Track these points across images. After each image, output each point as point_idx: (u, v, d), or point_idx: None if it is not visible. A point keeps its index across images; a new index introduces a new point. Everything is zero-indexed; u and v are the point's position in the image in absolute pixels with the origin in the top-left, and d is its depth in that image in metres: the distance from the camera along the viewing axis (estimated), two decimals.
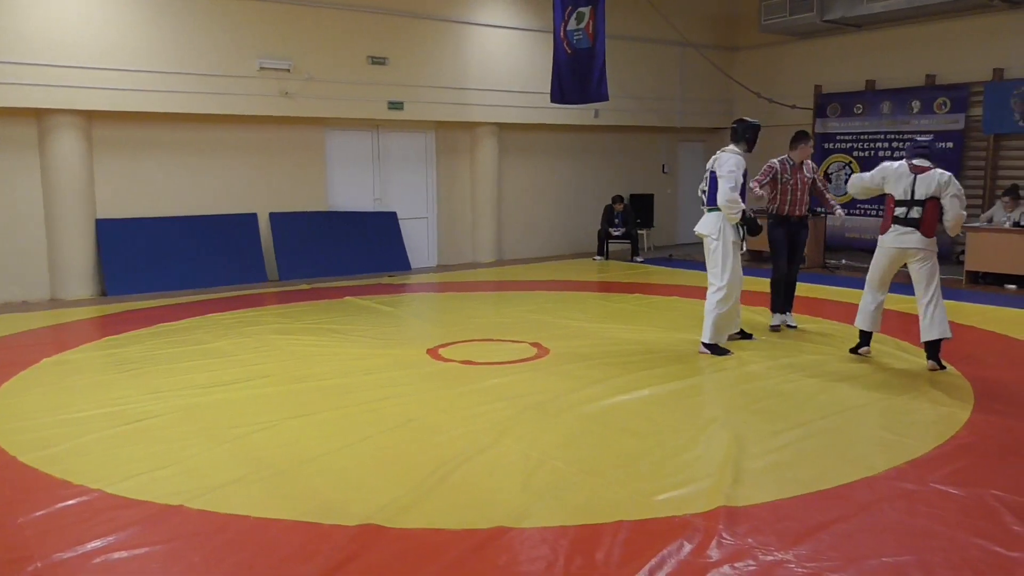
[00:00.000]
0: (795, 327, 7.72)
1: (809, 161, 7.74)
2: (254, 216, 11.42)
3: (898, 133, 13.33)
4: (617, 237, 13.89)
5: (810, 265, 12.24)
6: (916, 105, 13.16)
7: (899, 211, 6.29)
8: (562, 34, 10.82)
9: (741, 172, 6.71)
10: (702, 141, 16.38)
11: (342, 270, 11.75)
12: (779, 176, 7.60)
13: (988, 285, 10.49)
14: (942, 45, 12.92)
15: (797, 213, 7.65)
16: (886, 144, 13.36)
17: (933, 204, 6.21)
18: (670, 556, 3.27)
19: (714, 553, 3.30)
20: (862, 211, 13.21)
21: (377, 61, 11.84)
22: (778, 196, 7.64)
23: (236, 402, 5.54)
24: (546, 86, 11.46)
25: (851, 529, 3.54)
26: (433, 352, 6.97)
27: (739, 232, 6.75)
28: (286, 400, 5.58)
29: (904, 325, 7.17)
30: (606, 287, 11.06)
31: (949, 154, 12.68)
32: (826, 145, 14.25)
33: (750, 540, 3.41)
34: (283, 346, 7.23)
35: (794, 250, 7.78)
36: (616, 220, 13.94)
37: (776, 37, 14.91)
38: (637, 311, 8.89)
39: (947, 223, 6.24)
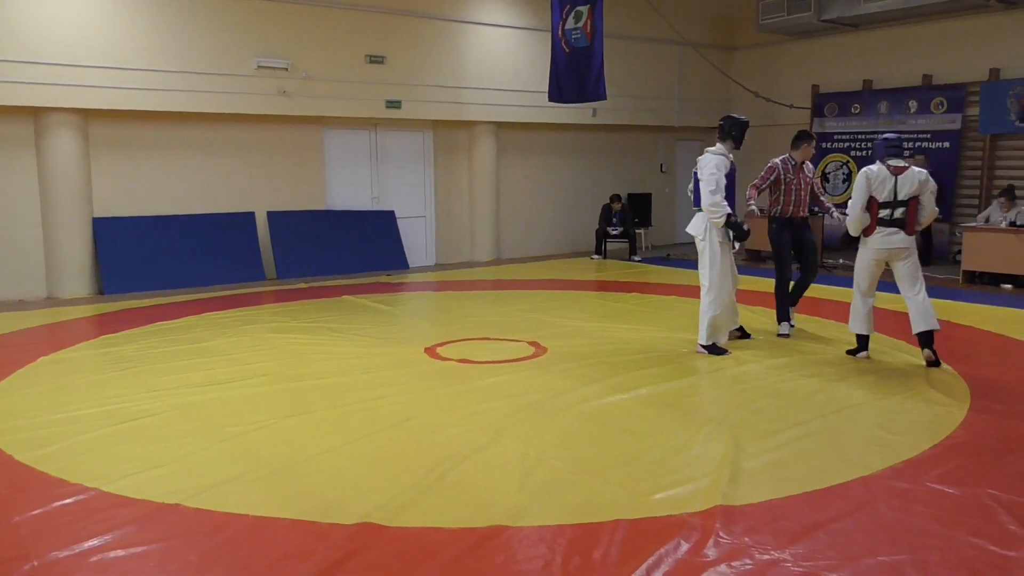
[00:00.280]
0: (792, 325, 7.60)
1: (808, 162, 7.62)
2: (252, 215, 11.41)
3: (895, 133, 13.31)
4: (615, 236, 13.89)
5: None
6: (913, 105, 13.18)
7: (883, 212, 6.33)
8: (560, 33, 10.83)
9: (724, 173, 6.65)
10: (700, 140, 16.36)
11: (340, 269, 11.74)
12: (782, 176, 7.39)
13: (984, 285, 10.51)
14: (939, 45, 12.95)
15: (800, 213, 7.49)
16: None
17: (915, 203, 6.32)
18: (667, 555, 3.28)
19: (711, 552, 3.31)
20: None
21: (375, 60, 11.84)
22: (781, 197, 7.43)
23: (233, 401, 5.53)
24: (544, 85, 11.46)
25: (847, 528, 3.54)
26: (431, 351, 6.97)
27: (727, 234, 6.72)
28: (283, 399, 5.58)
29: (900, 324, 7.17)
30: (604, 286, 11.06)
31: (946, 154, 12.72)
32: (824, 145, 14.25)
33: (747, 539, 3.42)
34: (280, 345, 7.22)
35: (805, 254, 7.52)
36: (614, 219, 13.94)
37: (774, 37, 14.93)
38: (635, 310, 8.90)
39: (922, 219, 6.38)
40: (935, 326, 6.31)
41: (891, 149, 6.41)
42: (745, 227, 6.73)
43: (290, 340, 7.40)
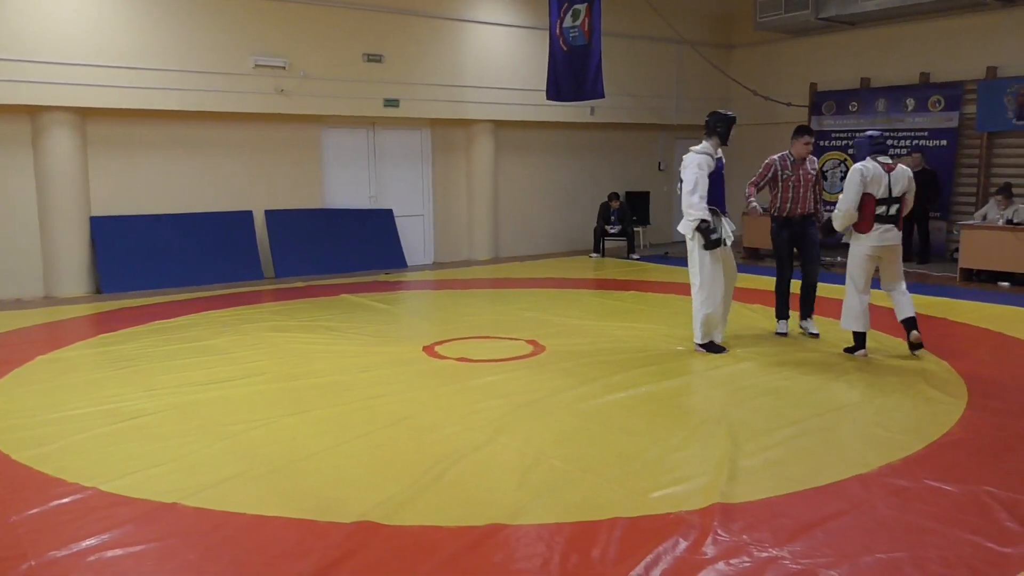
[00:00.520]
0: (816, 335, 7.28)
1: (813, 158, 7.42)
2: (249, 214, 11.40)
3: (893, 131, 13.35)
4: (613, 234, 13.89)
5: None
6: (910, 103, 13.19)
7: (880, 210, 6.42)
8: (558, 31, 10.83)
9: (706, 172, 6.59)
10: (698, 139, 16.31)
11: (338, 268, 11.74)
12: (779, 172, 7.29)
13: (982, 282, 10.52)
14: (936, 43, 12.96)
15: (800, 211, 7.28)
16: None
17: (903, 199, 6.51)
18: (665, 553, 3.28)
19: (709, 550, 3.31)
20: None
21: (373, 58, 11.83)
22: (779, 195, 7.33)
23: (232, 399, 5.53)
24: (542, 83, 11.47)
25: (845, 526, 3.55)
26: (429, 349, 6.97)
27: (716, 229, 6.62)
28: (282, 397, 5.58)
29: (896, 321, 7.17)
30: (602, 284, 11.07)
31: (943, 152, 12.73)
32: (821, 143, 14.25)
33: (745, 537, 3.42)
34: (279, 343, 7.22)
35: (805, 251, 7.36)
36: (612, 217, 13.94)
37: (772, 35, 14.93)
38: (633, 308, 8.90)
39: (902, 214, 6.57)
40: (915, 312, 6.67)
41: (876, 147, 6.51)
42: (714, 236, 6.53)
43: (288, 339, 7.40)
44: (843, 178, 6.89)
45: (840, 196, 6.58)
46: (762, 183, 7.44)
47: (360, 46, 11.74)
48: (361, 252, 12.11)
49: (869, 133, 6.66)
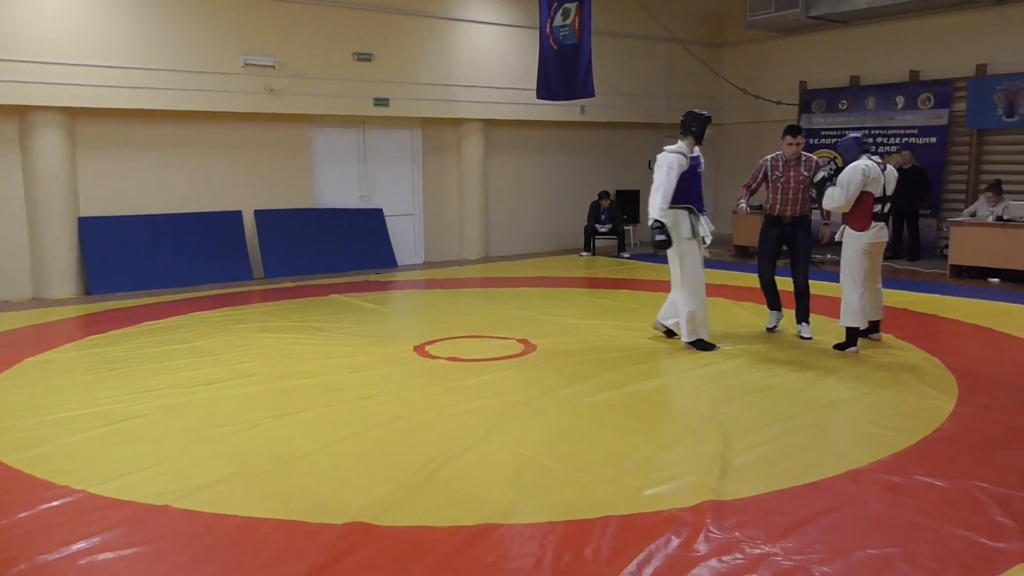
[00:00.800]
0: (810, 338, 7.12)
1: (814, 158, 7.25)
2: (239, 214, 11.36)
3: (883, 128, 13.41)
4: (604, 233, 13.90)
5: None
6: (900, 101, 13.24)
7: (877, 208, 6.51)
8: (548, 30, 10.82)
9: (677, 172, 6.60)
10: None
11: (328, 267, 11.70)
12: (768, 173, 7.25)
13: (972, 279, 10.57)
14: (926, 41, 13.01)
15: (789, 213, 7.15)
16: (870, 140, 13.41)
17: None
18: (658, 551, 3.28)
19: (702, 547, 3.31)
20: None
21: (362, 57, 11.80)
22: (769, 195, 7.32)
23: (222, 401, 5.51)
24: (532, 82, 11.45)
25: (837, 522, 3.56)
26: (420, 349, 6.96)
27: (693, 229, 6.66)
28: (272, 399, 5.56)
29: (888, 318, 7.20)
30: (593, 283, 11.07)
31: (932, 149, 12.78)
32: (811, 141, 14.28)
33: (737, 534, 3.42)
34: (269, 344, 7.19)
35: (794, 255, 7.24)
36: (602, 216, 13.95)
37: (762, 33, 14.96)
38: (624, 307, 8.90)
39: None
40: (882, 315, 7.00)
41: (865, 147, 6.66)
42: (659, 238, 6.56)
43: (279, 339, 7.37)
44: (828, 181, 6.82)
45: (832, 191, 6.58)
46: (754, 184, 7.43)
47: (350, 45, 11.71)
48: (351, 252, 12.08)
49: (855, 135, 6.73)
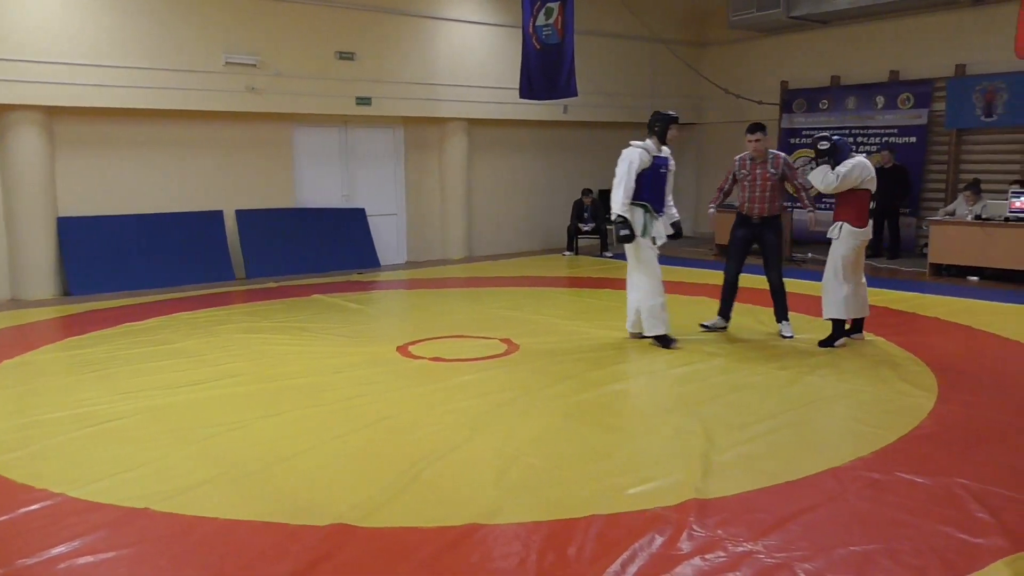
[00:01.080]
0: (790, 337, 7.12)
1: (781, 156, 7.21)
2: (220, 213, 11.29)
3: (863, 128, 13.50)
4: (587, 232, 13.91)
5: None
6: (880, 100, 13.34)
7: (871, 205, 6.71)
8: (531, 29, 10.81)
9: (637, 167, 6.64)
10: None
11: (310, 267, 11.65)
12: (736, 172, 7.30)
13: (951, 277, 10.66)
14: (906, 41, 13.11)
15: (757, 212, 7.14)
16: (851, 139, 13.51)
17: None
18: (642, 549, 3.29)
19: (685, 545, 3.32)
20: (827, 205, 13.35)
21: (345, 56, 11.75)
22: (739, 194, 7.34)
23: (205, 402, 5.47)
24: (515, 81, 11.44)
25: (819, 519, 3.58)
26: (403, 349, 6.94)
27: (646, 227, 6.70)
28: (255, 400, 5.52)
29: (869, 316, 7.25)
30: (576, 282, 11.09)
31: (912, 149, 12.88)
32: (792, 140, 14.38)
33: (720, 532, 3.44)
34: (252, 345, 7.15)
35: (765, 256, 7.24)
36: (585, 214, 13.95)
37: (744, 33, 15.03)
38: (607, 306, 8.91)
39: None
40: (868, 313, 7.01)
41: (850, 147, 6.79)
42: (623, 233, 6.63)
43: (262, 340, 7.33)
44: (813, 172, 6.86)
45: (826, 170, 6.62)
46: (726, 186, 7.47)
47: (332, 44, 11.66)
48: (334, 252, 12.03)
49: (839, 137, 6.79)
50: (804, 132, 14.24)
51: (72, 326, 8.17)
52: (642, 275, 6.82)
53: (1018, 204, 10.12)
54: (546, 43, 10.72)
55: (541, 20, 10.72)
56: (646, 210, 6.76)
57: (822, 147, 6.73)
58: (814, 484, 3.97)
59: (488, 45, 13.29)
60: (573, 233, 13.93)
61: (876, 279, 9.91)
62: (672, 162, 7.01)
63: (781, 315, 7.32)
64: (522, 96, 11.25)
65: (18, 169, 9.77)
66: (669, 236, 7.02)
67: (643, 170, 6.72)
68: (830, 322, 6.87)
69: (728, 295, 7.44)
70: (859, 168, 6.58)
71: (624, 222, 6.62)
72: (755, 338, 7.23)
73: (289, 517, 3.63)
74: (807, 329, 7.33)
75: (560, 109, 13.84)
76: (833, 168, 6.60)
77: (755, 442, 4.56)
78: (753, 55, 15.31)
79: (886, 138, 13.18)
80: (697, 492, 3.83)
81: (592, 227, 13.87)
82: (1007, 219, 10.15)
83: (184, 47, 10.48)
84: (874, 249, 12.08)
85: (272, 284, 10.75)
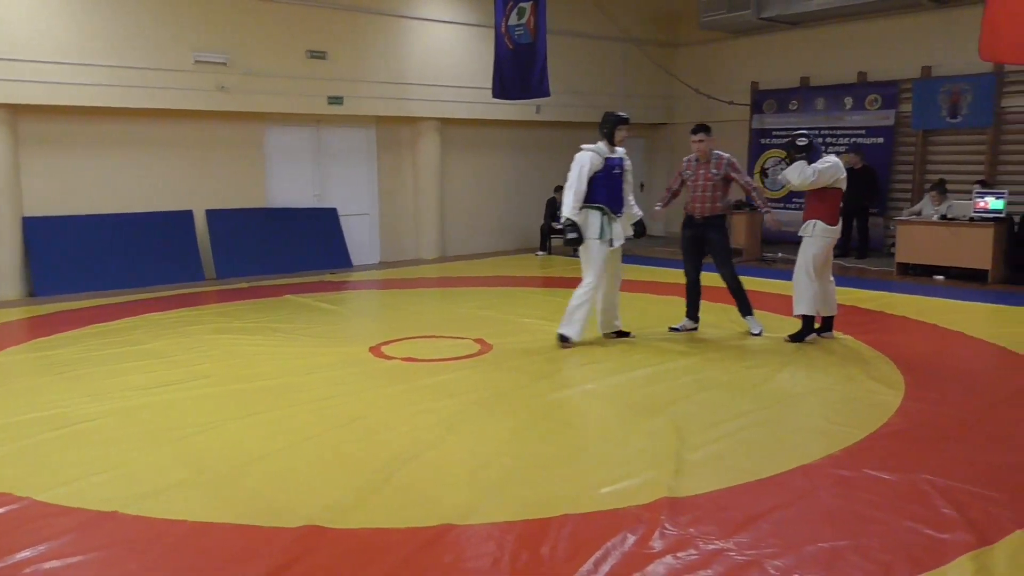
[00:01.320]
0: (757, 334, 7.18)
1: (725, 156, 7.15)
2: (190, 213, 11.17)
3: (832, 129, 13.66)
4: (560, 230, 13.89)
5: (747, 259, 12.49)
6: (849, 101, 13.51)
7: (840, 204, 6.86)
8: (503, 29, 10.81)
9: (588, 172, 6.64)
10: (644, 138, 16.54)
11: (282, 268, 11.56)
12: (683, 173, 7.32)
13: (918, 276, 10.81)
14: (873, 43, 13.28)
15: (699, 212, 7.15)
16: (821, 140, 13.65)
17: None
18: (614, 548, 3.30)
19: (657, 544, 3.34)
20: (798, 205, 13.50)
21: (316, 55, 11.68)
22: (686, 194, 7.37)
23: (175, 404, 5.41)
24: (488, 81, 11.43)
25: (789, 516, 3.62)
26: (376, 350, 6.91)
27: (603, 230, 6.68)
28: (227, 401, 5.47)
29: (838, 315, 7.33)
30: (548, 282, 11.11)
31: (880, 149, 13.06)
32: (762, 140, 14.52)
33: (692, 530, 3.46)
34: (223, 346, 7.09)
35: (713, 256, 7.23)
36: (557, 212, 13.94)
37: (715, 34, 15.14)
38: None
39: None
40: (837, 311, 7.14)
41: (821, 148, 6.92)
42: (571, 236, 6.63)
43: (233, 341, 7.27)
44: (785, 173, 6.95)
45: (803, 166, 6.69)
46: (675, 186, 7.48)
47: (303, 42, 11.59)
48: (305, 252, 11.95)
49: (812, 139, 6.90)
50: (774, 133, 14.38)
51: (39, 327, 8.04)
52: (586, 275, 6.82)
53: (982, 204, 10.29)
54: (518, 43, 10.72)
55: (513, 20, 10.72)
56: (603, 212, 6.74)
57: (801, 143, 6.82)
58: (784, 482, 4.01)
59: (460, 45, 13.28)
60: (546, 232, 13.95)
61: (845, 278, 10.03)
62: (627, 162, 7.00)
63: (744, 310, 7.35)
64: (495, 96, 11.25)
65: None
66: (634, 236, 7.06)
67: (596, 172, 6.71)
68: (799, 319, 6.96)
69: (691, 296, 7.46)
70: (835, 167, 6.72)
71: (572, 225, 6.58)
72: (726, 337, 7.28)
73: (261, 519, 3.61)
74: (777, 328, 7.40)
75: (533, 109, 13.87)
76: (809, 165, 6.70)
77: (726, 441, 4.60)
78: (724, 56, 15.43)
79: (854, 139, 13.35)
80: (669, 491, 3.86)
81: None
82: (972, 219, 10.32)
83: (153, 45, 10.36)
84: (843, 249, 12.25)
85: (243, 284, 10.66)
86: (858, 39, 13.47)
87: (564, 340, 6.85)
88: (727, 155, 7.23)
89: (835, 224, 6.82)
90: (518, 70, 10.79)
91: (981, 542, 3.34)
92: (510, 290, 10.14)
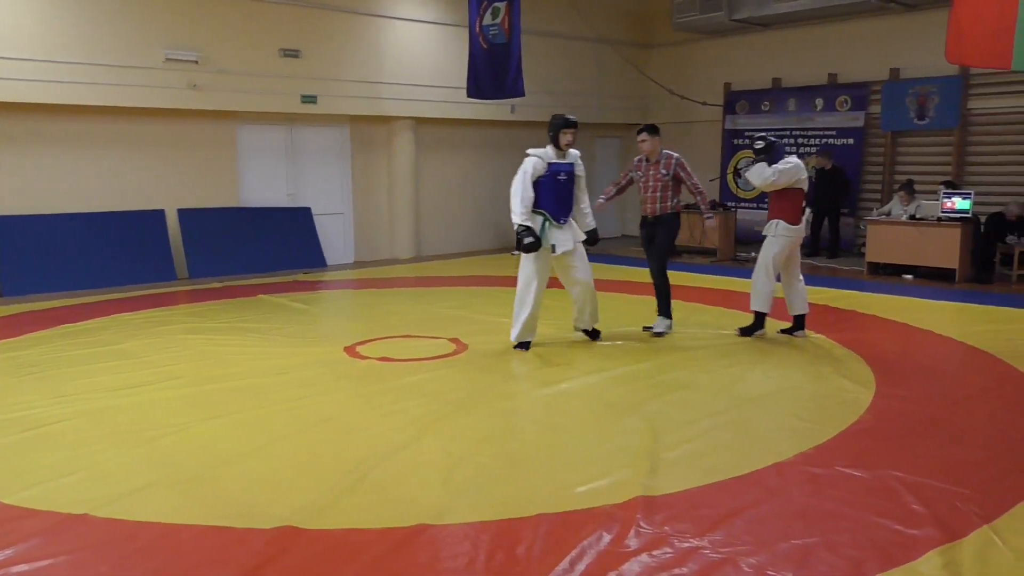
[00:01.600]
0: (659, 334, 7.26)
1: (674, 156, 7.18)
2: (161, 212, 11.05)
3: (803, 130, 13.81)
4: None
5: (721, 258, 12.59)
6: (819, 103, 13.66)
7: (803, 205, 7.00)
8: (478, 29, 10.81)
9: (531, 176, 6.55)
10: (618, 137, 16.61)
11: (255, 267, 11.47)
12: (633, 173, 7.38)
13: (887, 275, 10.96)
14: (843, 45, 13.44)
15: (649, 211, 7.23)
16: (791, 140, 13.81)
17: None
18: (590, 547, 3.31)
19: (632, 542, 3.36)
20: (759, 206, 13.63)
21: (289, 54, 11.60)
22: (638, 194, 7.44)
23: (146, 405, 5.35)
24: (462, 81, 11.42)
25: (763, 514, 3.65)
26: (350, 350, 6.88)
27: (543, 236, 6.56)
28: (199, 402, 5.42)
29: (809, 314, 7.41)
30: None
31: (850, 150, 13.22)
32: (735, 141, 14.64)
33: (667, 528, 3.49)
34: (195, 346, 7.02)
35: (648, 251, 7.38)
36: None
37: (688, 35, 15.24)
38: (553, 306, 8.90)
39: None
40: (808, 310, 7.25)
41: (784, 149, 7.11)
42: (527, 241, 6.40)
43: (205, 341, 7.20)
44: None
45: (763, 167, 6.84)
46: (622, 182, 7.53)
47: (276, 41, 11.50)
48: (279, 251, 11.87)
49: (770, 138, 7.08)
50: (747, 133, 14.49)
51: (7, 327, 7.91)
52: (520, 278, 6.75)
53: (950, 204, 10.45)
54: (493, 43, 10.73)
55: (488, 20, 10.72)
56: (544, 218, 6.66)
57: (758, 146, 7.02)
58: (757, 480, 4.05)
59: (435, 44, 13.25)
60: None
61: (816, 277, 10.15)
62: (579, 166, 6.88)
63: (661, 310, 7.37)
64: (469, 95, 11.24)
65: None
66: (585, 242, 6.89)
67: (539, 178, 6.61)
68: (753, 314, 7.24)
69: (657, 295, 7.48)
70: (796, 168, 6.89)
71: (528, 230, 6.45)
72: (700, 336, 7.33)
73: (234, 520, 3.58)
74: (732, 327, 7.45)
75: (508, 108, 13.86)
76: (769, 166, 6.84)
77: (700, 439, 4.64)
78: (697, 57, 15.53)
79: (825, 139, 13.50)
80: (644, 489, 3.88)
81: None
82: (940, 219, 10.47)
83: (123, 42, 10.23)
84: (814, 248, 12.40)
85: (216, 284, 10.57)
86: (829, 41, 13.62)
87: (523, 346, 6.81)
88: (676, 155, 7.27)
89: (797, 223, 6.98)
90: (493, 70, 10.79)
91: (949, 537, 3.40)
92: (485, 290, 10.14)
